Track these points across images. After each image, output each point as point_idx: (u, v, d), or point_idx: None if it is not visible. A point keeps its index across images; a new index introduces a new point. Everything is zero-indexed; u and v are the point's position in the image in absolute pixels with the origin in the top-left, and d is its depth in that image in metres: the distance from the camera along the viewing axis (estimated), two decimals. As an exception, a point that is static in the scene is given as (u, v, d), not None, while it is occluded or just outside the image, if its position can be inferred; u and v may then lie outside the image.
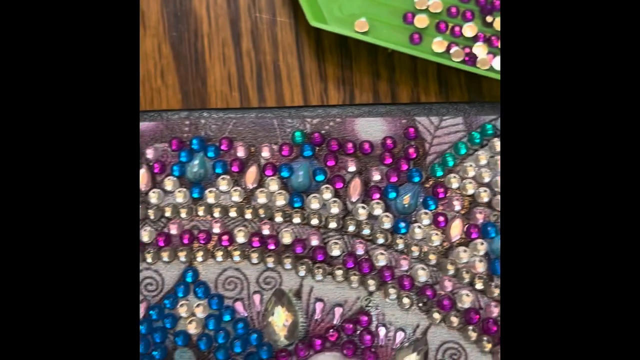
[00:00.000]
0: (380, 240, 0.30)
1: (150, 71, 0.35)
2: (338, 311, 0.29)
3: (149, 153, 0.31)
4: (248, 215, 0.30)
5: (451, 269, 0.29)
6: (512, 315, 0.21)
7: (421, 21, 0.32)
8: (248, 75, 0.35)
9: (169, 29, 0.36)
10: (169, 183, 0.30)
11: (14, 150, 0.21)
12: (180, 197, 0.30)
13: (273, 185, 0.30)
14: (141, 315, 0.29)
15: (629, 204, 0.21)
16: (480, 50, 0.32)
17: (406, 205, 0.30)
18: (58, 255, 0.21)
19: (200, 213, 0.30)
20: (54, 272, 0.21)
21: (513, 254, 0.21)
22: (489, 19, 0.32)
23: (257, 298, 0.30)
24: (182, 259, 0.30)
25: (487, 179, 0.30)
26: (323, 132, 0.31)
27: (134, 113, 0.23)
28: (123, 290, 0.21)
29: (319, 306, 0.29)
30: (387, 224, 0.30)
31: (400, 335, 0.29)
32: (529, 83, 0.22)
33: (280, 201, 0.30)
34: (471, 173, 0.30)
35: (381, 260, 0.30)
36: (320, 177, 0.30)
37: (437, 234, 0.30)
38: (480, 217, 0.30)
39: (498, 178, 0.30)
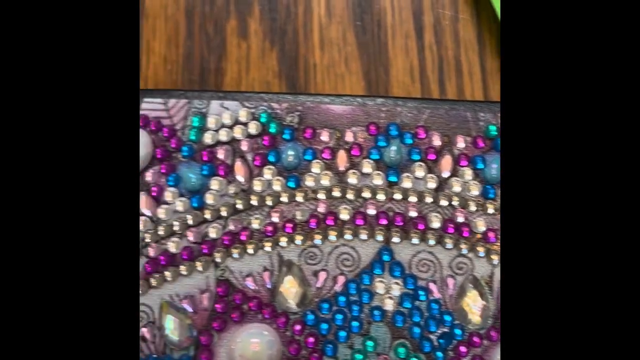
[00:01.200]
0: (573, 236, 0.31)
1: (335, 58, 0.37)
2: (530, 301, 0.30)
3: (348, 136, 0.32)
4: (443, 202, 0.31)
5: None
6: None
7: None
8: (430, 68, 0.37)
9: (353, 18, 0.37)
10: (366, 166, 0.32)
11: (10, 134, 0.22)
12: (378, 179, 0.31)
13: (467, 175, 0.31)
14: (339, 289, 0.31)
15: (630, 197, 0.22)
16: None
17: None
18: (49, 243, 0.22)
19: (397, 197, 0.31)
20: (51, 262, 0.22)
21: (513, 256, 0.22)
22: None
23: (450, 282, 0.31)
24: (379, 237, 0.31)
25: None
26: (516, 128, 0.32)
27: (134, 102, 0.24)
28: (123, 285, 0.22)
29: (511, 294, 0.31)
30: (579, 221, 0.31)
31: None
32: (529, 82, 0.23)
33: (474, 191, 0.31)
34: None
35: (572, 256, 0.31)
36: (513, 171, 0.31)
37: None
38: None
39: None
